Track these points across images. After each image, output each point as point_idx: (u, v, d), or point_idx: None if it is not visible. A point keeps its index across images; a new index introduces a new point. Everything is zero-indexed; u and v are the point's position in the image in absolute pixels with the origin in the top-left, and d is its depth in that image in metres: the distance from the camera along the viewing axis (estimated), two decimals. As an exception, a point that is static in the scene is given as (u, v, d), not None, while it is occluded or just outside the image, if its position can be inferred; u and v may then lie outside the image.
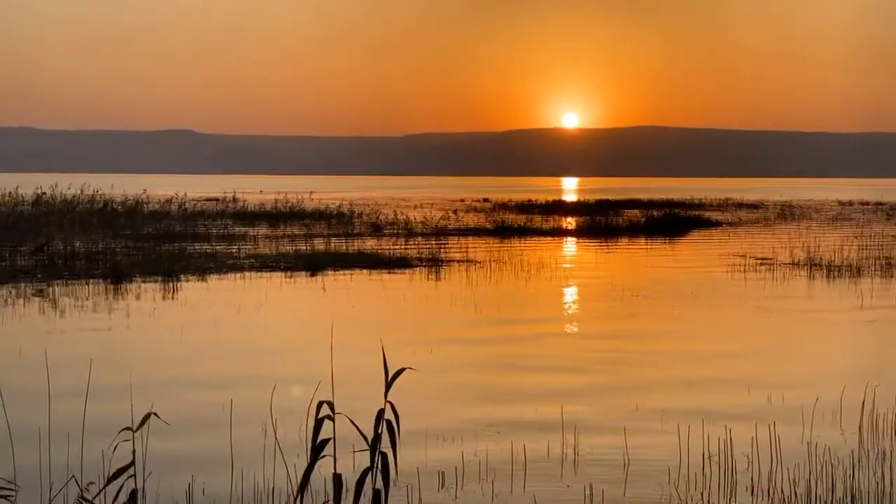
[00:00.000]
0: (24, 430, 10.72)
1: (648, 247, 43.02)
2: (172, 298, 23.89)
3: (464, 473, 10.04)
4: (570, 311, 23.23)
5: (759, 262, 33.44)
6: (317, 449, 5.80)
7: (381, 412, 6.24)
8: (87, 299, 23.66)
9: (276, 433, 10.40)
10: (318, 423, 5.80)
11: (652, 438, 11.31)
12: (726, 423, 11.53)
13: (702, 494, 9.48)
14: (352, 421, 6.64)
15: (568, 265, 34.56)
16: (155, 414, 6.78)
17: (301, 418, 9.68)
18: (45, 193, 59.80)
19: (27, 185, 68.77)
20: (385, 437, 6.59)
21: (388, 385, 5.89)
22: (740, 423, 11.73)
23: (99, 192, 61.76)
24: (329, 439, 6.13)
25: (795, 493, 9.48)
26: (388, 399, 6.17)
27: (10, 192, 58.24)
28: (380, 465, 6.37)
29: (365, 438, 6.13)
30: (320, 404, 5.79)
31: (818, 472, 9.91)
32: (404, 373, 6.79)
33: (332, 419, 5.86)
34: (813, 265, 31.65)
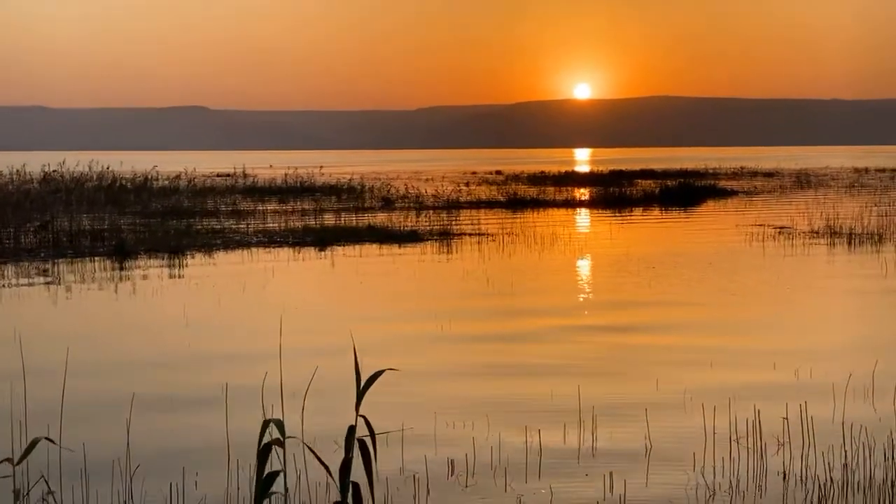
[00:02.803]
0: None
1: (663, 217, 42.26)
2: (177, 275, 23.29)
3: (475, 463, 9.38)
4: (583, 285, 22.55)
5: (778, 231, 32.68)
6: (264, 484, 4.66)
7: (351, 430, 5.09)
8: (88, 277, 23.07)
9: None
10: (264, 451, 4.73)
11: (674, 421, 10.64)
12: (753, 402, 10.85)
13: (730, 482, 8.83)
14: (311, 450, 5.66)
15: (581, 237, 33.84)
16: (47, 438, 6.08)
17: (298, 401, 9.07)
18: (53, 171, 59.23)
19: (38, 163, 68.22)
20: (357, 461, 5.29)
21: (361, 395, 4.94)
22: (768, 402, 11.05)
23: (108, 170, 61.13)
24: (279, 472, 5.00)
25: (831, 478, 8.83)
26: (360, 412, 5.02)
27: (17, 170, 57.67)
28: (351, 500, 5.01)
29: (327, 469, 5.10)
30: (266, 423, 4.83)
31: (854, 456, 9.25)
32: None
33: (282, 445, 4.78)
34: (833, 233, 30.88)
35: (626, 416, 10.84)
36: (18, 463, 5.50)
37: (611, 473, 8.99)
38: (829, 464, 9.18)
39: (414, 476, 8.96)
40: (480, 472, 9.10)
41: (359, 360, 5.27)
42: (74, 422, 10.18)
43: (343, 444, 5.25)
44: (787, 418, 10.26)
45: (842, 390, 11.48)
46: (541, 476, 9.06)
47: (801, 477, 8.92)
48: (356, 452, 4.82)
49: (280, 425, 4.46)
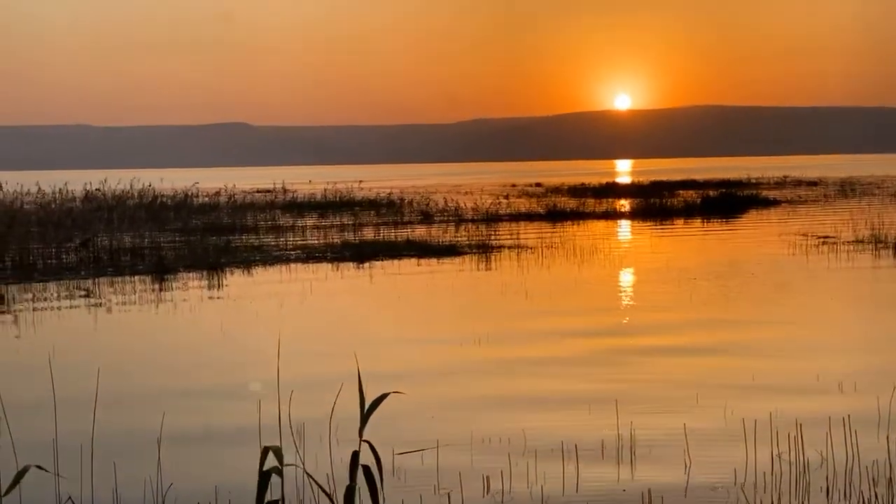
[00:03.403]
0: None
1: (705, 228, 41.88)
2: (215, 293, 23.32)
3: (511, 483, 9.22)
4: (623, 299, 22.32)
5: (822, 241, 32.25)
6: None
7: (355, 456, 4.85)
8: (127, 295, 23.15)
9: (295, 444, 9.68)
10: (264, 478, 4.63)
11: (715, 435, 10.42)
12: (796, 416, 10.61)
13: (772, 498, 8.62)
14: (310, 476, 5.44)
15: (622, 249, 33.59)
16: (38, 466, 5.99)
17: (324, 418, 8.97)
18: (96, 190, 59.73)
19: (81, 181, 68.83)
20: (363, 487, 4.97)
21: (365, 419, 4.77)
22: (811, 416, 10.81)
23: (149, 187, 61.55)
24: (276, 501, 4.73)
25: (876, 494, 8.60)
26: (363, 437, 4.76)
27: (60, 189, 58.17)
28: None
29: (328, 496, 4.93)
30: (265, 450, 4.71)
31: (900, 471, 9.01)
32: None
33: (280, 473, 4.69)
34: (878, 243, 30.42)
35: (664, 428, 10.64)
36: (6, 493, 5.39)
37: (649, 491, 8.80)
38: (873, 479, 8.95)
39: (449, 495, 8.82)
40: (516, 492, 8.94)
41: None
42: (106, 440, 10.13)
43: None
44: (830, 432, 10.02)
45: (886, 404, 11.21)
46: (578, 489, 8.90)
47: (845, 493, 8.70)
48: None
49: (278, 452, 4.34)
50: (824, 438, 9.90)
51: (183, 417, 11.56)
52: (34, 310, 21.14)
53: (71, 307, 21.42)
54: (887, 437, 10.01)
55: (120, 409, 12.00)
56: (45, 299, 22.73)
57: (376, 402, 4.67)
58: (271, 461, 4.93)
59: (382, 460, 5.88)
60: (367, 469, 4.77)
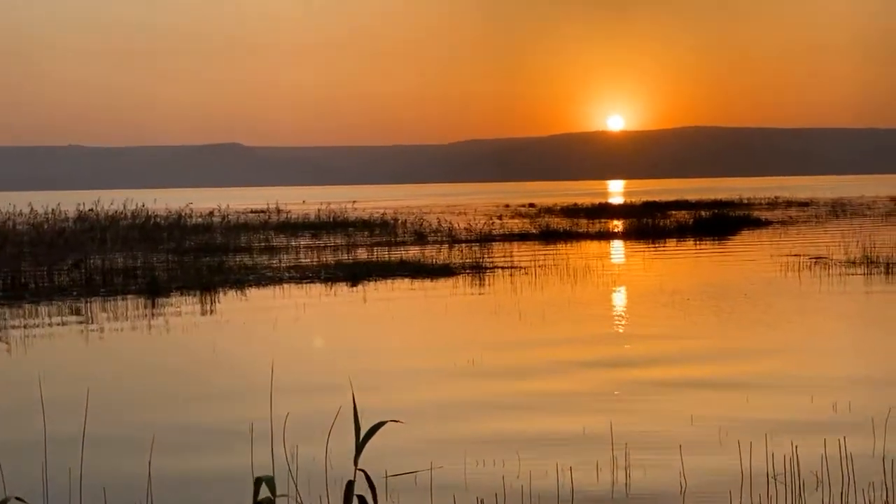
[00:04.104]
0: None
1: (697, 248, 41.90)
2: (208, 313, 23.24)
3: (505, 499, 9.17)
4: (617, 319, 22.28)
5: (814, 261, 32.27)
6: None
7: (349, 486, 4.78)
8: (119, 316, 23.07)
9: (288, 463, 9.61)
10: None
11: (710, 457, 10.38)
12: (791, 437, 10.58)
13: (768, 520, 8.57)
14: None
15: (615, 269, 33.57)
16: (18, 498, 5.92)
17: (320, 445, 8.91)
18: (89, 210, 59.62)
19: (73, 202, 68.70)
20: None
21: (360, 447, 4.72)
22: (806, 436, 10.78)
23: (142, 207, 61.45)
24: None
25: (872, 516, 8.56)
26: (359, 466, 4.71)
27: (52, 210, 58.03)
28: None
29: None
30: (258, 481, 4.66)
31: (896, 493, 8.97)
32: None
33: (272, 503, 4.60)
34: (870, 263, 30.45)
35: (660, 452, 10.59)
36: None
37: (644, 513, 8.76)
38: (869, 500, 8.91)
39: (442, 517, 8.77)
40: (510, 512, 8.89)
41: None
42: (95, 462, 10.07)
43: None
44: (825, 454, 9.99)
45: (881, 424, 11.19)
46: (572, 516, 8.85)
47: (841, 515, 8.66)
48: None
49: (271, 483, 4.28)
50: (819, 460, 9.87)
51: (175, 442, 11.49)
52: (25, 331, 21.05)
53: (62, 328, 21.34)
54: (883, 459, 9.97)
55: (110, 433, 11.92)
56: (37, 320, 22.64)
57: (372, 431, 4.60)
58: (265, 491, 4.87)
59: (376, 482, 5.84)
60: (361, 498, 4.70)
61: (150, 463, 9.67)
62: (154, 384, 15.31)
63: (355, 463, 4.72)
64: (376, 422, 5.19)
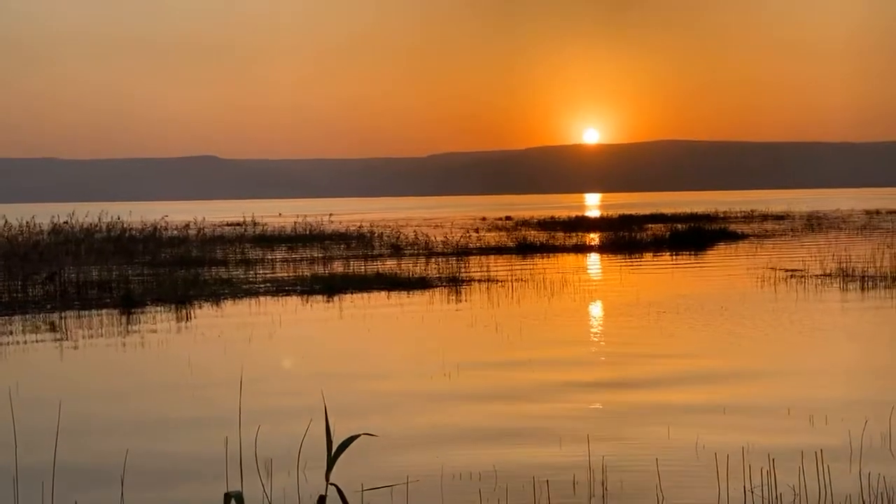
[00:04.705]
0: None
1: (674, 262, 41.99)
2: (183, 326, 23.10)
3: (481, 516, 9.10)
4: (593, 334, 22.26)
5: (790, 274, 32.40)
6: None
7: (321, 500, 4.75)
8: (93, 329, 22.88)
9: (262, 481, 9.53)
10: None
11: (688, 472, 10.34)
12: (768, 451, 10.57)
13: (745, 534, 8.54)
14: None
15: (591, 282, 33.59)
16: None
17: (294, 460, 8.83)
18: (63, 223, 59.26)
19: (48, 215, 68.24)
20: None
21: (332, 462, 4.66)
22: (783, 451, 10.77)
23: (118, 220, 61.14)
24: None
25: (849, 530, 8.53)
26: (334, 481, 4.69)
27: (27, 222, 57.64)
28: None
29: None
30: (227, 497, 4.59)
31: (873, 507, 8.96)
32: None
33: None
34: (846, 276, 30.58)
35: (637, 466, 10.56)
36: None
37: (621, 528, 8.71)
38: (846, 515, 8.89)
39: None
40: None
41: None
42: (68, 479, 9.95)
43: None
44: (802, 468, 9.98)
45: (858, 437, 11.19)
46: (549, 531, 8.79)
47: (819, 529, 8.63)
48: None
49: (240, 499, 4.22)
50: (797, 472, 9.86)
51: (147, 455, 11.37)
52: (-2, 344, 20.85)
53: (36, 341, 21.15)
54: (859, 471, 9.97)
55: (82, 445, 11.79)
56: (10, 333, 22.44)
57: (344, 445, 4.54)
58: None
59: (351, 497, 5.76)
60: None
61: (122, 480, 9.56)
62: (127, 399, 15.16)
63: (327, 478, 4.66)
64: (350, 436, 5.13)
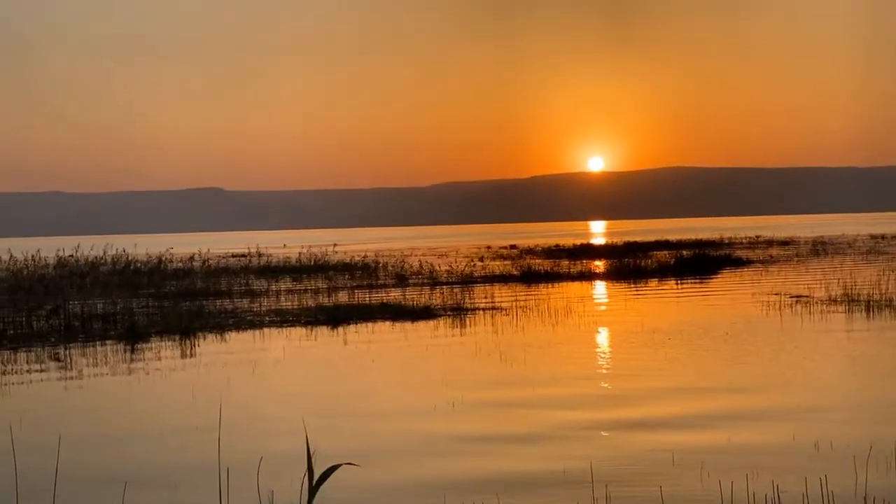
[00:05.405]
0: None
1: (679, 288, 41.94)
2: (187, 358, 23.08)
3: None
4: (598, 361, 22.20)
5: (795, 300, 32.34)
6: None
7: None
8: (96, 361, 22.87)
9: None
10: None
11: (692, 500, 10.28)
12: (772, 476, 10.53)
13: (750, 561, 8.49)
14: None
15: (596, 310, 33.53)
16: None
17: (296, 489, 8.79)
18: (69, 256, 59.46)
19: (54, 248, 68.37)
20: None
21: (313, 492, 4.63)
22: (788, 475, 10.72)
23: (123, 252, 61.30)
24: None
25: (855, 556, 8.48)
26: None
27: (32, 256, 57.84)
28: None
29: None
30: None
31: (879, 532, 8.91)
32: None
33: None
34: (851, 301, 30.52)
35: (640, 489, 10.51)
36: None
37: (625, 555, 8.66)
38: (852, 541, 8.84)
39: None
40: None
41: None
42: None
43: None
44: (806, 492, 9.93)
45: (863, 461, 11.14)
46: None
47: (824, 555, 8.58)
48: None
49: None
50: (801, 497, 9.81)
51: (147, 487, 11.34)
52: (2, 375, 20.84)
53: (40, 374, 21.14)
54: (864, 496, 9.92)
55: (82, 481, 11.76)
56: (14, 366, 22.43)
57: (326, 474, 4.52)
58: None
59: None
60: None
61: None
62: (131, 429, 15.13)
63: (308, 504, 4.64)
64: (331, 466, 5.10)
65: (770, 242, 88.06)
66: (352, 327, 28.68)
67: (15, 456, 10.02)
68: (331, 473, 4.62)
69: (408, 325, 28.65)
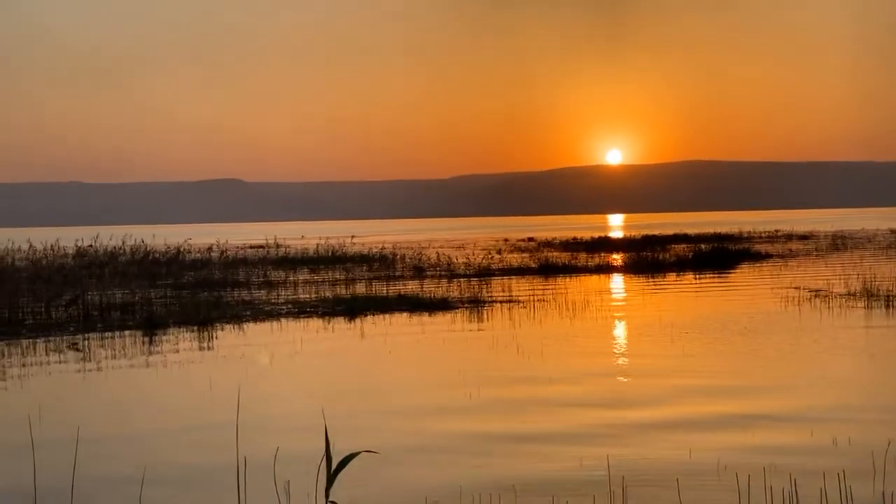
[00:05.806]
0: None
1: (697, 282, 41.80)
2: (204, 349, 23.14)
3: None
4: (616, 354, 22.15)
5: (814, 294, 32.19)
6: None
7: None
8: (114, 351, 22.96)
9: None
10: None
11: (709, 493, 10.25)
12: (790, 472, 10.47)
13: (767, 557, 8.45)
14: None
15: (614, 303, 33.46)
16: None
17: (313, 480, 8.80)
18: (88, 246, 59.67)
19: (75, 238, 68.65)
20: None
21: (331, 479, 4.64)
22: (805, 471, 10.66)
23: (141, 243, 61.46)
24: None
25: (872, 552, 8.43)
26: (354, 502, 4.66)
27: (51, 246, 58.06)
28: None
29: None
30: None
31: (897, 529, 8.85)
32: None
33: None
34: (871, 296, 30.35)
35: (657, 485, 10.48)
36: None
37: (641, 550, 8.63)
38: (870, 537, 8.79)
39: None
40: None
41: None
42: (86, 501, 9.95)
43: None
44: (825, 488, 9.88)
45: (881, 458, 11.08)
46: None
47: (841, 552, 8.53)
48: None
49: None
50: (818, 494, 9.76)
51: (164, 480, 11.37)
52: (21, 367, 20.95)
53: (59, 365, 21.23)
54: (882, 493, 9.86)
55: (100, 470, 11.80)
56: (33, 357, 22.54)
57: (344, 462, 4.53)
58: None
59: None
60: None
61: (140, 500, 9.55)
62: (148, 421, 15.18)
63: (326, 495, 4.65)
64: (350, 453, 5.09)
65: (789, 236, 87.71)
66: (369, 319, 28.70)
67: (34, 449, 10.06)
68: (349, 461, 4.62)
69: (425, 318, 28.66)
